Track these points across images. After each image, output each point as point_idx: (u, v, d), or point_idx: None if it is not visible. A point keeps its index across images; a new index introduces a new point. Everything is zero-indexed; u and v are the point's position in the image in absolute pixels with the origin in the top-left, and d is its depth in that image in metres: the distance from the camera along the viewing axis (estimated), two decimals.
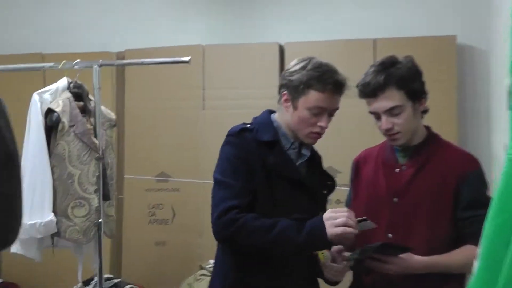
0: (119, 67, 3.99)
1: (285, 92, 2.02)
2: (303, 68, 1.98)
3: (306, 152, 2.07)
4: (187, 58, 2.81)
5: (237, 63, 3.93)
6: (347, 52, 3.67)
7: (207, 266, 3.50)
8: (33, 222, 2.66)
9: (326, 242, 1.84)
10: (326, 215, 1.86)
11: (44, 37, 4.37)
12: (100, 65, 2.78)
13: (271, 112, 2.13)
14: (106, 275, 3.70)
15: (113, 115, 3.03)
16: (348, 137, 3.56)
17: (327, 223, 1.83)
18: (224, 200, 1.90)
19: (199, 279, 3.58)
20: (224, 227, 1.87)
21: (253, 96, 3.71)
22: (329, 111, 2.00)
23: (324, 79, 1.95)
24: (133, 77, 4.03)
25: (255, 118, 2.11)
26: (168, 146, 3.97)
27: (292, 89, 1.99)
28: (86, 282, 3.57)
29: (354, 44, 3.75)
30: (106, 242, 3.57)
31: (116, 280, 3.74)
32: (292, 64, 2.04)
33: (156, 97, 4.01)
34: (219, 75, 3.93)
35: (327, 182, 2.14)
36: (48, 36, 4.37)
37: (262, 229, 1.84)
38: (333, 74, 1.97)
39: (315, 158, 2.16)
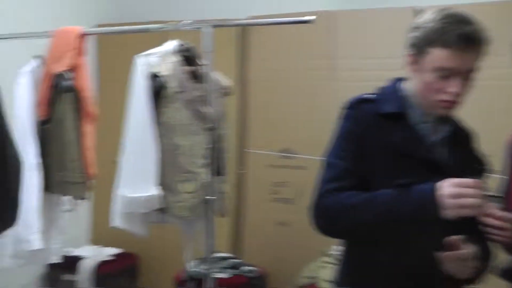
0: (242, 35, 3.79)
1: (409, 52, 1.65)
2: (429, 21, 1.59)
3: (444, 128, 1.68)
4: (310, 18, 2.48)
5: (369, 30, 3.61)
6: (496, 16, 3.14)
7: (330, 253, 3.25)
8: (135, 195, 2.49)
9: (437, 217, 1.48)
10: (447, 190, 1.48)
11: (167, 5, 4.29)
12: (214, 26, 2.51)
13: (401, 80, 1.76)
14: (224, 254, 3.56)
15: (227, 82, 2.78)
16: (500, 113, 3.14)
17: (449, 202, 1.46)
18: (323, 184, 1.65)
19: (323, 266, 3.33)
20: (319, 214, 1.63)
21: (388, 67, 3.28)
22: (462, 73, 1.59)
23: (446, 32, 1.54)
24: (258, 45, 3.85)
25: (381, 88, 1.76)
26: (294, 120, 3.75)
27: (415, 47, 1.62)
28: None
29: (503, 7, 3.26)
30: (225, 220, 3.41)
31: (235, 261, 3.57)
32: (421, 16, 1.65)
33: (282, 67, 3.80)
34: (350, 44, 3.65)
35: (476, 166, 1.73)
36: (172, 4, 4.29)
37: (359, 206, 1.57)
38: (460, 25, 1.55)
39: (462, 136, 1.77)
